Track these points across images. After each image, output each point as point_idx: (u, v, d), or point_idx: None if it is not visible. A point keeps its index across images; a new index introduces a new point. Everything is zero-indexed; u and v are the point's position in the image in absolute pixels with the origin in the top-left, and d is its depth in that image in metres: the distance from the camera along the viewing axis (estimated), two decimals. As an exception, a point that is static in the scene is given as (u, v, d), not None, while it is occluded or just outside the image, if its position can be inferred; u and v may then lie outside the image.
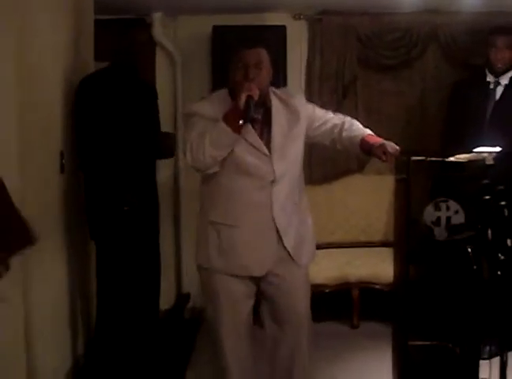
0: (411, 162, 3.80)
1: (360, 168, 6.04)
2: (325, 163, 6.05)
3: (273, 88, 3.73)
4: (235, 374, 3.79)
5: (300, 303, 3.77)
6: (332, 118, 3.79)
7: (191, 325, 5.72)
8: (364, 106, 6.10)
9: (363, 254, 5.74)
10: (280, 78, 5.84)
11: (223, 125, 3.43)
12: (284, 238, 3.63)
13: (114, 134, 4.52)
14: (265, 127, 3.63)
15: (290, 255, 3.66)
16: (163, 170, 5.18)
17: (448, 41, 5.95)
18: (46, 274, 4.12)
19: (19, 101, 3.61)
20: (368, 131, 3.75)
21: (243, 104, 3.39)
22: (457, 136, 5.04)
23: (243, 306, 3.76)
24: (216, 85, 5.91)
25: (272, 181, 3.58)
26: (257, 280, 3.72)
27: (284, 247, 3.64)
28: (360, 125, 3.79)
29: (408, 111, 6.13)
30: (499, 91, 4.97)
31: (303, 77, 6.06)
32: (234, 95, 3.52)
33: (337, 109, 6.03)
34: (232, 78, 3.58)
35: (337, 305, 5.68)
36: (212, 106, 3.60)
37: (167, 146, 5.07)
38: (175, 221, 6.07)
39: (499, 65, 4.95)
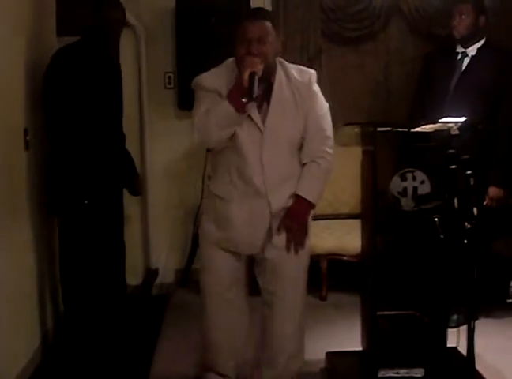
0: (377, 133, 3.82)
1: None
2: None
3: (283, 62, 3.62)
4: (218, 341, 3.78)
5: (289, 291, 3.72)
6: (309, 148, 3.58)
7: (159, 301, 5.73)
8: (329, 79, 6.10)
9: (331, 226, 5.76)
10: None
11: (226, 104, 3.37)
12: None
13: (81, 114, 4.45)
14: (265, 103, 3.54)
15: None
16: (130, 147, 5.15)
17: (411, 12, 5.97)
18: (12, 251, 4.09)
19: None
20: (306, 191, 3.58)
21: (246, 82, 3.33)
22: (422, 108, 5.06)
23: (230, 278, 3.72)
24: (180, 59, 5.89)
25: (262, 163, 3.51)
26: (250, 256, 3.72)
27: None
28: (315, 176, 3.60)
29: (373, 83, 6.15)
30: (466, 62, 4.96)
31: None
32: (239, 67, 3.43)
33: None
34: (236, 52, 3.46)
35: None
36: (218, 77, 3.52)
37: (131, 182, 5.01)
38: (142, 198, 6.04)
39: (455, 33, 4.93)
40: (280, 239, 3.61)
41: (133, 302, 5.39)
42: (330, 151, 3.59)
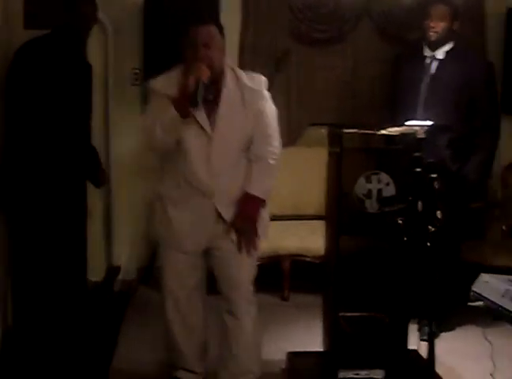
0: (343, 134, 3.82)
1: (292, 141, 6.03)
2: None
3: (235, 67, 3.69)
4: (181, 343, 3.85)
5: (237, 277, 3.78)
6: (254, 148, 3.66)
7: (121, 298, 5.69)
8: (297, 79, 6.11)
9: (294, 227, 5.76)
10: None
11: (172, 110, 3.40)
12: (225, 216, 3.65)
13: (43, 107, 4.43)
14: (214, 107, 3.58)
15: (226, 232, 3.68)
16: (94, 143, 5.12)
17: (380, 16, 5.99)
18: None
19: None
20: (254, 188, 3.64)
21: (192, 87, 3.35)
22: (393, 111, 5.04)
23: (188, 278, 3.80)
24: (148, 57, 5.85)
25: (212, 167, 3.57)
26: (202, 252, 3.77)
27: (223, 223, 3.65)
28: (261, 172, 3.67)
29: (340, 85, 6.15)
30: (434, 66, 4.93)
31: (236, 49, 6.02)
32: (186, 73, 3.45)
33: (270, 82, 6.05)
34: (184, 56, 3.51)
35: (268, 277, 5.69)
36: (169, 81, 3.55)
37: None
38: (105, 194, 6.00)
39: (431, 34, 4.86)
40: (230, 240, 3.70)
41: (95, 299, 5.35)
42: (275, 150, 3.68)
